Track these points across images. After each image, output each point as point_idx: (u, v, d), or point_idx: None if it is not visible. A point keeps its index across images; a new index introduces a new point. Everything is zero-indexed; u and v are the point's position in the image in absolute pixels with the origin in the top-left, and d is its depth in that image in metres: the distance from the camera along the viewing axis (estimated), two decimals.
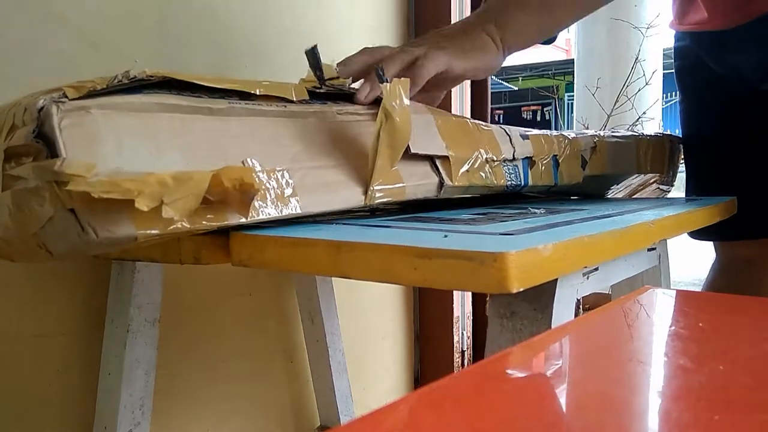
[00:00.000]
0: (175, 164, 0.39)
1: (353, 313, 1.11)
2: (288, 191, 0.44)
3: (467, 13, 1.26)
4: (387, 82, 0.49)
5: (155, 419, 0.73)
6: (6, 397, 0.66)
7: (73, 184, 0.34)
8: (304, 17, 0.97)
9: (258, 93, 0.47)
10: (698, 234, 0.88)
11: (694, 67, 0.87)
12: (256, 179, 0.41)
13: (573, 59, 4.28)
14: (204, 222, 0.39)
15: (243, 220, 0.40)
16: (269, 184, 0.43)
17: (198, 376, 0.85)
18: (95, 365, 0.70)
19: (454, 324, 1.26)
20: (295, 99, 0.49)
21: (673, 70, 0.93)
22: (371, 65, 0.59)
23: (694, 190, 0.91)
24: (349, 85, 0.57)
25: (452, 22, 1.18)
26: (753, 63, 0.76)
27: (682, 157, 0.96)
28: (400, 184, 0.52)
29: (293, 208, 0.44)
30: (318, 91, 0.53)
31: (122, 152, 0.37)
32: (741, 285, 0.90)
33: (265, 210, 0.42)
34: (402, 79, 0.49)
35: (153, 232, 0.36)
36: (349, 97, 0.56)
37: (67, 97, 0.36)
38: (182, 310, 0.82)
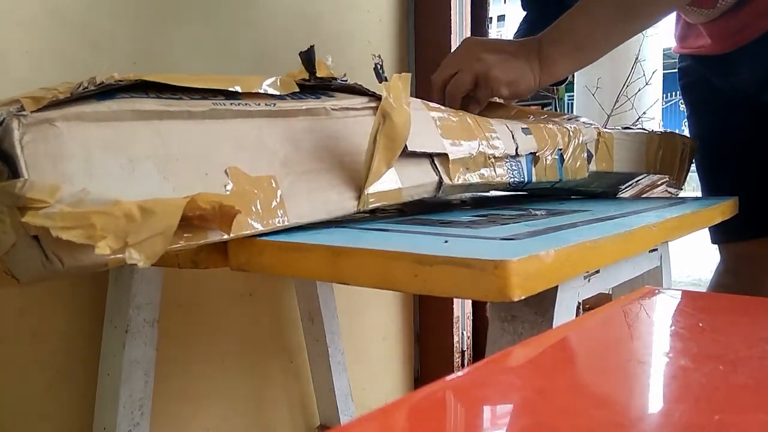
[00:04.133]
0: (150, 179, 0.37)
1: (353, 312, 1.11)
2: (275, 201, 0.42)
3: (467, 2, 1.26)
4: (386, 80, 0.46)
5: (154, 419, 0.72)
6: (6, 397, 0.66)
7: (30, 215, 0.31)
8: (301, 6, 0.97)
9: (240, 90, 0.44)
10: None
11: (698, 83, 0.97)
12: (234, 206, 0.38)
13: None
14: (181, 242, 0.36)
15: (225, 236, 0.38)
16: (255, 194, 0.41)
17: (197, 377, 0.85)
18: (95, 365, 0.70)
19: (454, 324, 1.26)
20: (282, 93, 0.46)
21: (670, 71, 0.98)
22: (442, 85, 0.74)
23: (707, 193, 0.99)
24: (342, 77, 0.54)
25: (450, 15, 1.19)
26: (752, 79, 0.86)
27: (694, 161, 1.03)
28: (396, 186, 0.49)
29: (280, 221, 0.41)
30: (308, 84, 0.50)
31: (91, 169, 0.35)
32: (746, 285, 0.95)
33: (249, 224, 0.40)
34: (403, 74, 0.47)
35: (122, 256, 0.33)
36: (343, 88, 0.53)
37: (24, 109, 0.33)
38: (181, 311, 0.81)
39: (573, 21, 0.75)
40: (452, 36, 1.21)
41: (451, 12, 1.21)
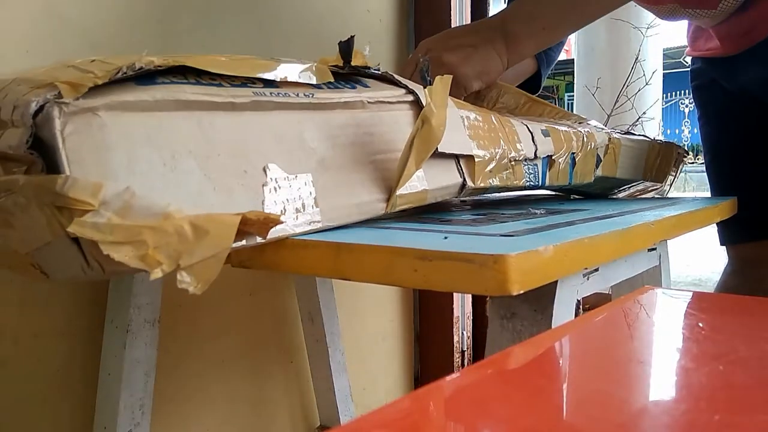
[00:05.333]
0: (191, 176, 0.35)
1: (353, 313, 1.11)
2: (309, 203, 0.41)
3: (467, 2, 1.26)
4: (431, 84, 0.45)
5: (155, 420, 0.72)
6: (6, 397, 0.66)
7: (77, 225, 0.28)
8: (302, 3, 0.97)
9: (279, 80, 0.42)
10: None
11: (708, 85, 0.98)
12: (279, 215, 0.37)
13: (573, 59, 4.27)
14: None
15: (260, 240, 0.37)
16: (290, 195, 0.40)
17: (198, 377, 0.85)
18: (95, 365, 0.70)
19: (454, 324, 1.26)
20: (318, 83, 0.45)
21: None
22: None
23: (716, 194, 1.00)
24: (375, 67, 0.53)
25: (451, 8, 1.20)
26: (759, 81, 0.86)
27: (704, 164, 1.04)
28: (423, 188, 0.49)
29: (314, 223, 0.41)
30: (342, 72, 0.49)
31: (134, 165, 0.32)
32: (752, 286, 0.95)
33: (284, 226, 0.39)
34: (444, 76, 0.46)
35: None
36: (376, 77, 0.51)
37: (62, 96, 0.30)
38: (182, 311, 0.81)
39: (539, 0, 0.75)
40: None
41: (451, 12, 1.21)
